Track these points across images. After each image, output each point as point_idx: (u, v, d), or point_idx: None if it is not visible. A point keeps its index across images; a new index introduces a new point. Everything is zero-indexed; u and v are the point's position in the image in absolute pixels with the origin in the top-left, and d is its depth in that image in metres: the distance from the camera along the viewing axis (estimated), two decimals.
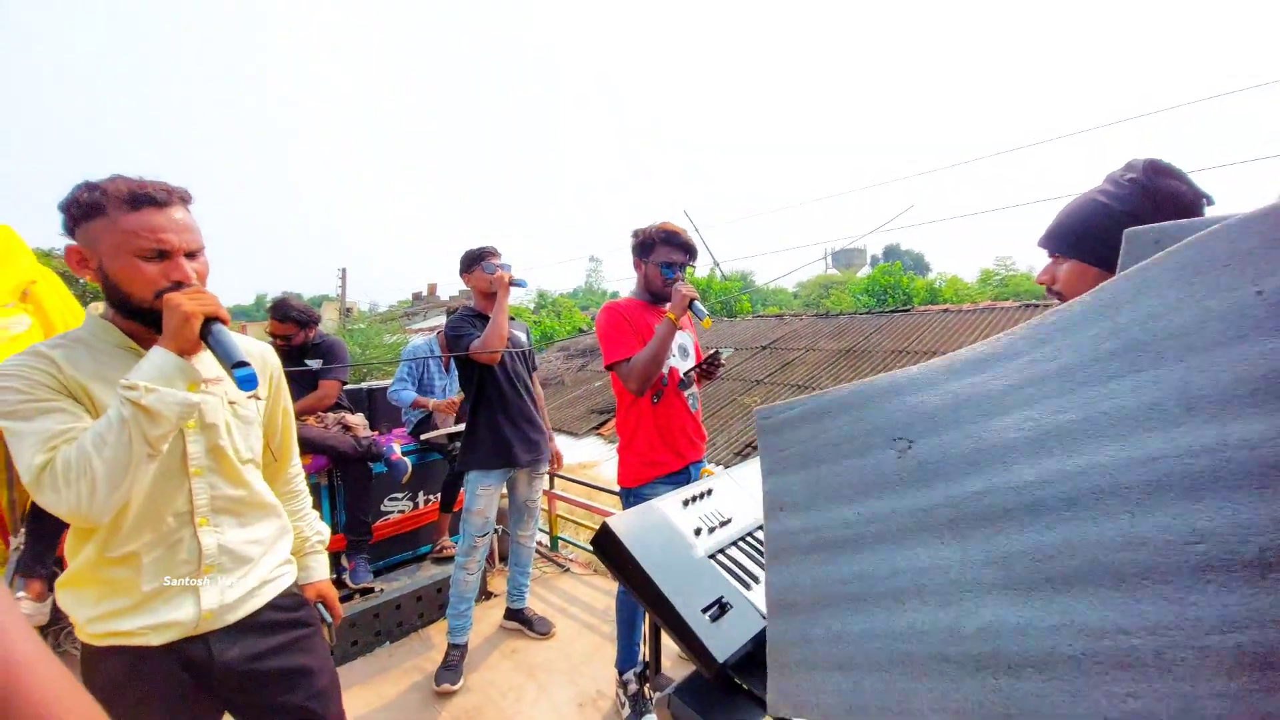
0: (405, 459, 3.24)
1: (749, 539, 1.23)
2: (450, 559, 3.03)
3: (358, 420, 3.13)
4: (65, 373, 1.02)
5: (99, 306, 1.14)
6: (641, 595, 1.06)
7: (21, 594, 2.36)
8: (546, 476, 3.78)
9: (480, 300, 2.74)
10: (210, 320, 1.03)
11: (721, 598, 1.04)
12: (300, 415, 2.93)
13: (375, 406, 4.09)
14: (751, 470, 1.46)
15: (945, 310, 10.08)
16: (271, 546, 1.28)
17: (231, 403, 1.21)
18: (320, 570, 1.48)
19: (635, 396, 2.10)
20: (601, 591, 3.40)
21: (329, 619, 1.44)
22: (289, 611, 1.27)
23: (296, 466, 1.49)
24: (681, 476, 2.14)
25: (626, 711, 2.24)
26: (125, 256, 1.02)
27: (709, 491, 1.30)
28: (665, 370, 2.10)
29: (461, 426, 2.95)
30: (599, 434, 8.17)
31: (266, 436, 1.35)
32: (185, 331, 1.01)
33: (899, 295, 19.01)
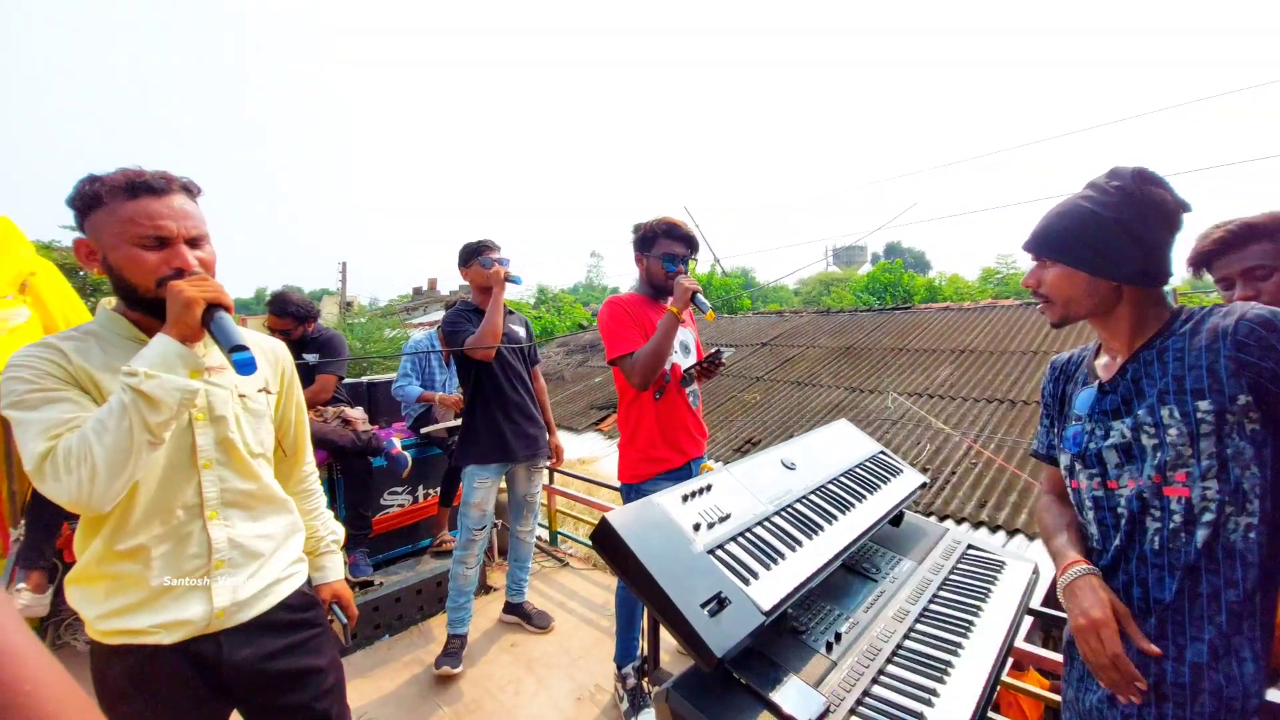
0: (405, 453, 3.25)
1: (748, 534, 1.23)
2: (450, 552, 3.04)
3: (357, 414, 3.13)
4: (74, 363, 1.02)
5: (111, 300, 1.14)
6: (640, 590, 1.06)
7: (21, 585, 2.37)
8: (546, 471, 3.79)
9: (478, 294, 2.73)
10: (213, 307, 1.03)
11: (720, 593, 1.04)
12: None
13: (375, 400, 4.09)
14: (751, 466, 1.47)
15: (946, 308, 10.06)
16: (283, 543, 1.27)
17: (241, 396, 1.21)
18: (335, 570, 1.47)
19: (638, 392, 2.10)
20: (601, 586, 3.41)
21: (344, 620, 1.44)
22: (300, 611, 1.26)
23: (310, 465, 1.47)
24: (683, 473, 2.14)
25: (625, 706, 2.25)
26: (125, 245, 1.02)
27: (708, 487, 1.30)
28: (667, 367, 2.09)
29: (461, 420, 2.95)
30: (599, 429, 8.17)
31: (279, 433, 1.35)
32: (187, 317, 1.00)
33: (899, 293, 18.98)
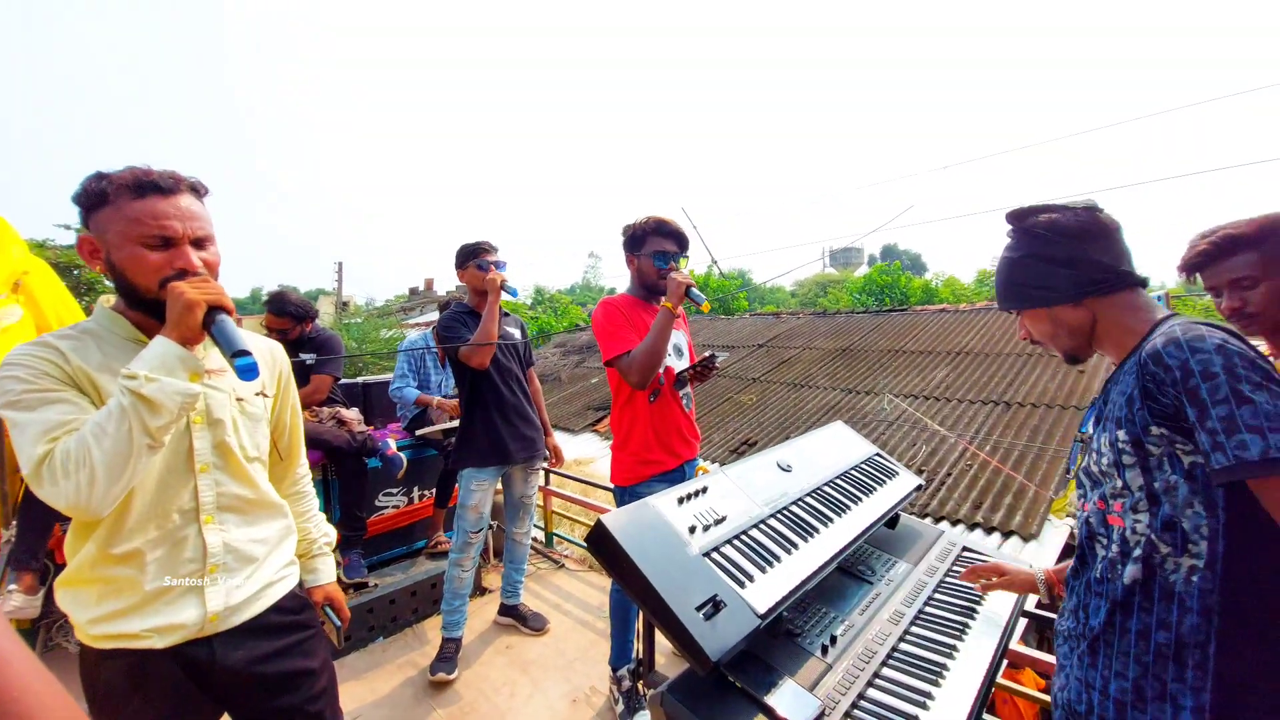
0: (400, 454, 3.24)
1: (743, 537, 1.23)
2: (445, 554, 3.03)
3: (353, 415, 3.12)
4: (72, 363, 1.01)
5: (110, 299, 1.13)
6: (636, 593, 1.06)
7: (13, 587, 2.35)
8: (543, 473, 3.78)
9: (473, 296, 2.73)
10: (215, 310, 1.02)
11: (715, 596, 1.04)
12: None
13: (371, 401, 4.07)
14: (747, 468, 1.47)
15: (942, 310, 10.09)
16: (277, 547, 1.26)
17: (239, 399, 1.20)
18: (327, 572, 1.46)
19: (632, 394, 2.09)
20: (596, 588, 3.41)
21: (338, 622, 1.43)
22: (292, 614, 1.26)
23: (304, 467, 1.47)
24: (676, 475, 2.13)
25: (620, 708, 2.24)
26: (129, 244, 1.01)
27: (703, 490, 1.30)
28: (661, 369, 2.08)
29: (457, 422, 2.94)
30: (595, 430, 8.16)
31: (275, 435, 1.34)
32: (188, 320, 0.99)
33: (896, 294, 19.05)
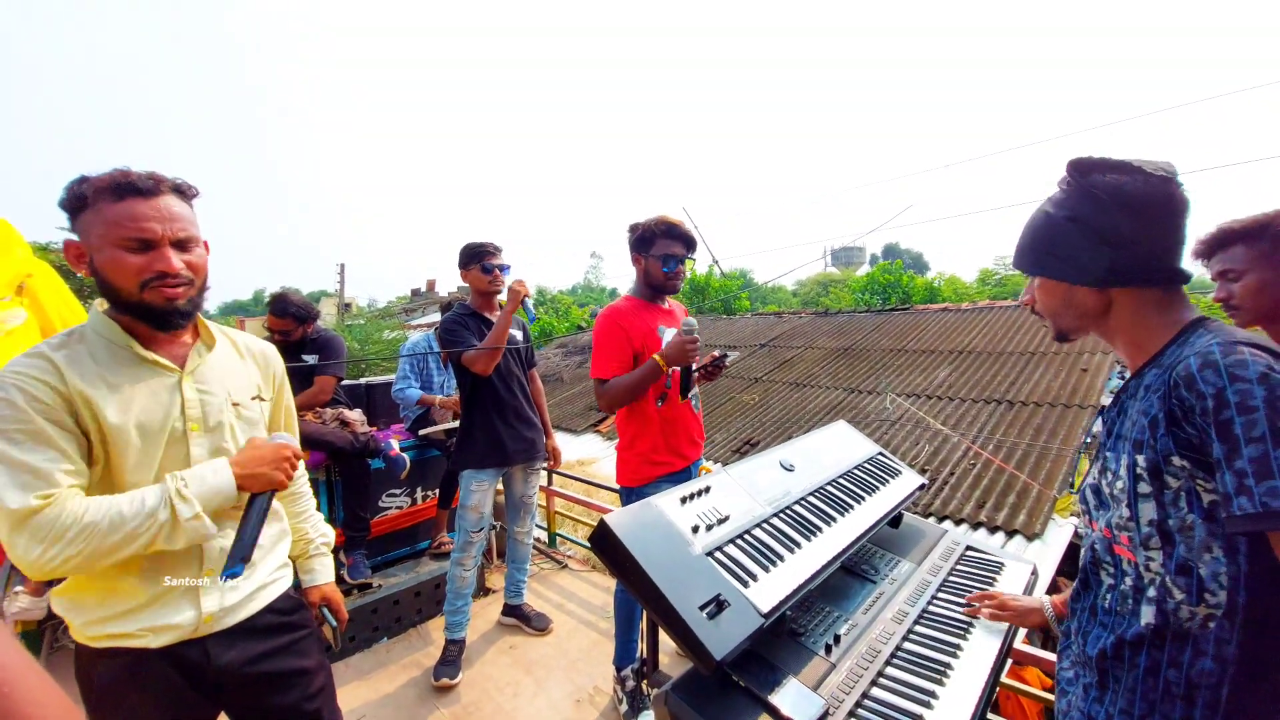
0: (403, 455, 3.24)
1: (747, 536, 1.23)
2: (448, 555, 3.03)
3: (355, 416, 3.12)
4: (68, 383, 0.99)
5: (104, 302, 1.13)
6: (639, 592, 1.06)
7: (19, 588, 2.36)
8: (544, 473, 3.78)
9: (476, 298, 2.72)
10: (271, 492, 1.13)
11: (719, 595, 1.04)
12: (297, 411, 2.92)
13: (373, 402, 4.08)
14: (749, 468, 1.47)
15: (944, 309, 10.07)
16: (271, 550, 1.28)
17: (235, 404, 1.20)
18: (325, 573, 1.47)
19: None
20: (599, 588, 3.41)
21: (334, 623, 1.44)
22: (285, 615, 1.27)
23: (300, 468, 1.47)
24: (683, 476, 2.13)
25: (624, 708, 2.24)
26: (109, 247, 1.01)
27: (707, 489, 1.30)
28: (669, 372, 2.08)
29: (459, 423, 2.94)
30: (597, 431, 8.16)
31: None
32: (272, 481, 1.11)
33: (898, 294, 19.02)
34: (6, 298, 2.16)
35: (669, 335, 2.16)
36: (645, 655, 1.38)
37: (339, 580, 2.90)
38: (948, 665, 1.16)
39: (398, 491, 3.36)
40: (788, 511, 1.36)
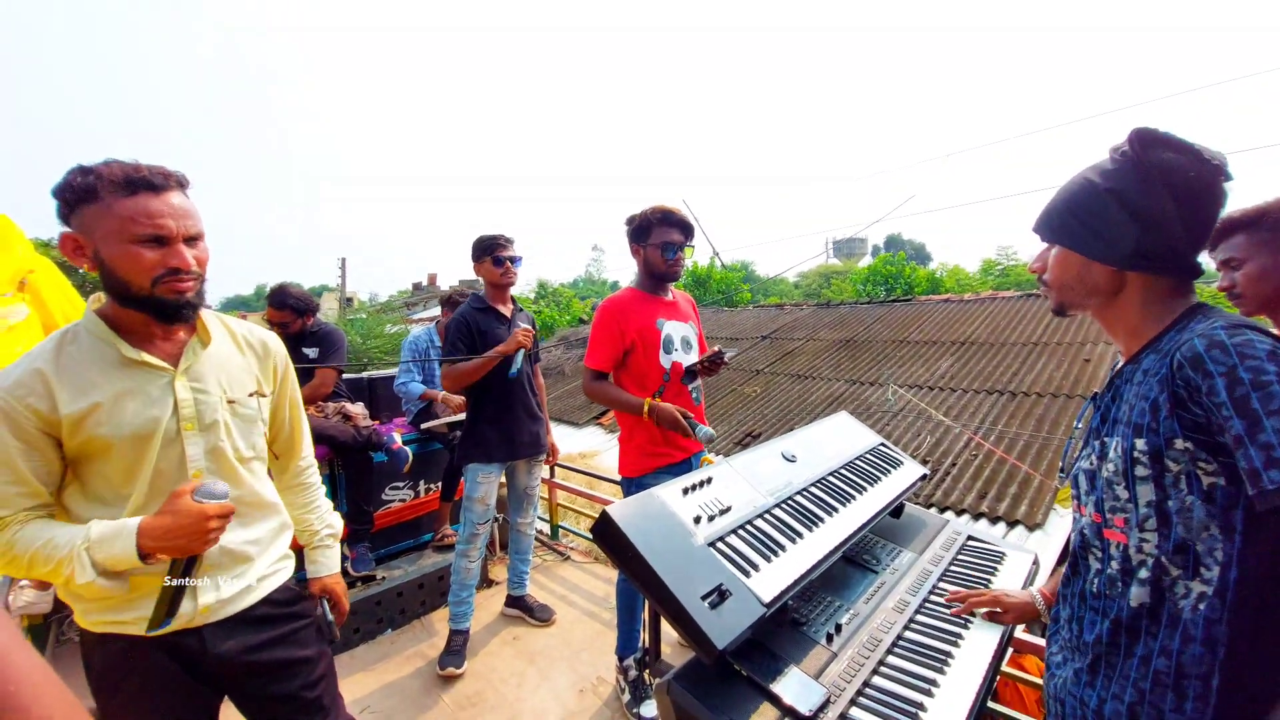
0: (406, 448, 3.25)
1: (748, 527, 1.23)
2: (451, 547, 3.04)
3: (358, 409, 3.13)
4: (57, 399, 1.00)
5: (101, 298, 1.12)
6: (641, 583, 1.06)
7: (25, 582, 2.38)
8: (546, 465, 3.79)
9: (489, 290, 2.73)
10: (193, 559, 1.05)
11: (721, 585, 1.04)
12: None
13: (376, 395, 4.09)
14: (751, 459, 1.47)
15: (946, 300, 10.04)
16: (270, 545, 1.27)
17: (230, 401, 1.19)
18: (329, 564, 1.45)
19: (640, 385, 2.12)
20: (602, 579, 3.42)
21: (329, 617, 1.43)
22: (284, 605, 1.27)
23: (308, 459, 1.45)
24: (683, 467, 2.14)
25: (626, 697, 2.26)
26: (122, 243, 1.00)
27: (708, 480, 1.31)
28: (668, 365, 2.10)
29: (462, 416, 2.95)
30: (599, 423, 8.17)
31: (273, 431, 1.33)
32: (190, 551, 1.02)
33: (901, 285, 18.95)
34: (8, 293, 2.16)
35: (669, 329, 2.16)
36: (648, 645, 1.39)
37: (344, 573, 2.92)
38: (949, 654, 1.16)
39: (400, 484, 3.38)
40: (789, 502, 1.36)
